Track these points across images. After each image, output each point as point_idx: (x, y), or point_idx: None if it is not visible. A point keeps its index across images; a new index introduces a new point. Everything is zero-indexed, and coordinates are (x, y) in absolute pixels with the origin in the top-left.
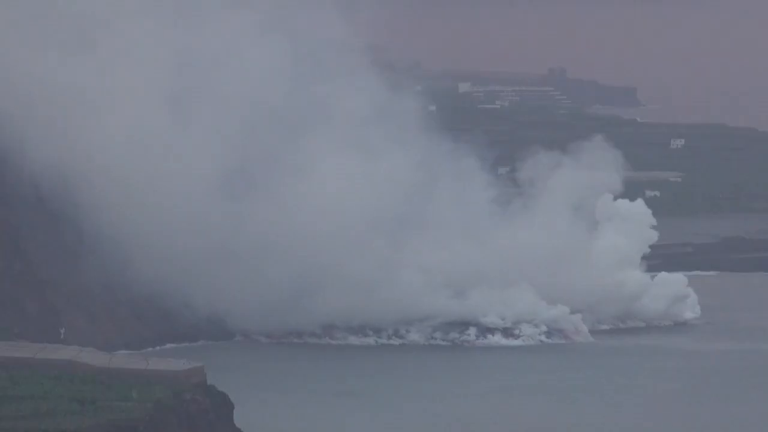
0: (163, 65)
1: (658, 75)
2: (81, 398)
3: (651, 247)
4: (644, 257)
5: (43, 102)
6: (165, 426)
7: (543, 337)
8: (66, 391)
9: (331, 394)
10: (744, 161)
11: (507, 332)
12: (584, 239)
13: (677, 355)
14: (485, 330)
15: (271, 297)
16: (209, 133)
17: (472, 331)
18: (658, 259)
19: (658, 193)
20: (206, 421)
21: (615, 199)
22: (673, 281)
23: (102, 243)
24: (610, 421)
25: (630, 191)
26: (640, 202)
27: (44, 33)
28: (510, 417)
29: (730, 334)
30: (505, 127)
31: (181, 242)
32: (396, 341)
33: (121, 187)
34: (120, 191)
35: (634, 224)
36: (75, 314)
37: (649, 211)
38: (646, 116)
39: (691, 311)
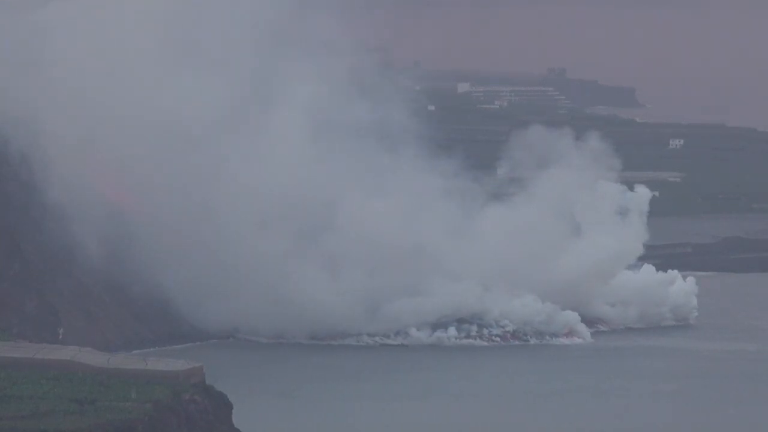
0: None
1: (658, 75)
2: (80, 398)
3: (651, 247)
4: (643, 257)
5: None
6: (164, 426)
7: (549, 338)
8: (65, 391)
9: (331, 395)
10: (744, 161)
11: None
12: (563, 239)
13: (676, 356)
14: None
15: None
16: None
17: (496, 329)
18: (658, 259)
19: (657, 193)
20: (205, 422)
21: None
22: (651, 283)
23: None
24: (609, 423)
25: None
26: (643, 189)
27: None
28: (515, 421)
29: (730, 334)
30: (504, 127)
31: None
32: (395, 341)
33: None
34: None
35: (628, 218)
36: (74, 314)
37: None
38: (645, 116)
39: (673, 316)
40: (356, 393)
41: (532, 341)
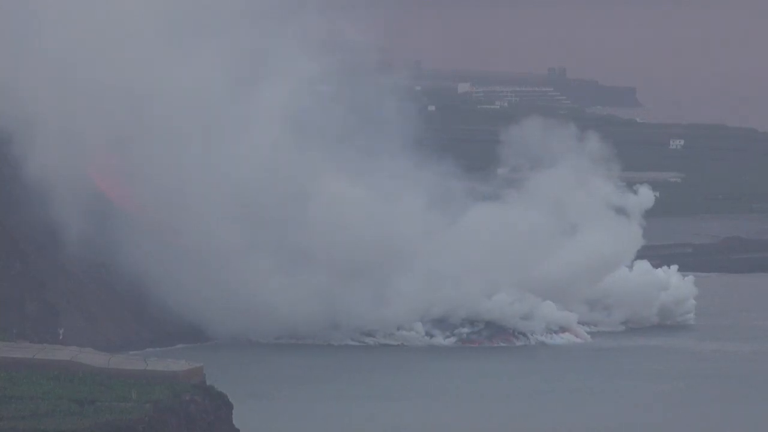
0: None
1: (658, 75)
2: (80, 399)
3: (651, 247)
4: (642, 258)
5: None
6: (164, 426)
7: (545, 338)
8: (65, 391)
9: (331, 395)
10: (744, 161)
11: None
12: (551, 239)
13: (676, 356)
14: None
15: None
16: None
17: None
18: (658, 260)
19: (657, 194)
20: (205, 422)
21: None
22: (641, 285)
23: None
24: (610, 424)
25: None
26: (646, 190)
27: None
28: (508, 422)
29: (730, 334)
30: (504, 128)
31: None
32: (395, 341)
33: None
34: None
35: (625, 220)
36: (74, 314)
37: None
38: (645, 116)
39: (669, 319)
40: (356, 393)
41: (532, 341)
